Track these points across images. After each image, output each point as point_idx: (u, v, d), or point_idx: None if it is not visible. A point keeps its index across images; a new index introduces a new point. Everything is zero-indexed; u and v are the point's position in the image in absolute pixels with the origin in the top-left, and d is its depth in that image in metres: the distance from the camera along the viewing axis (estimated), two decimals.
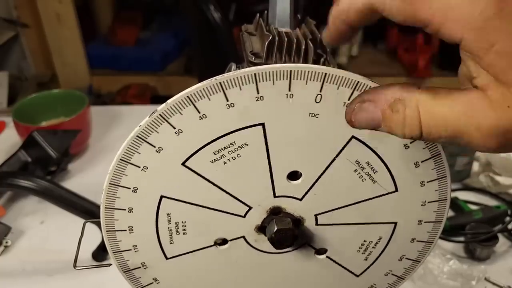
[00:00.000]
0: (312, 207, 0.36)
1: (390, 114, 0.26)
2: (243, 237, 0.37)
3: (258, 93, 0.30)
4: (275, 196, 0.35)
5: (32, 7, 1.82)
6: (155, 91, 1.98)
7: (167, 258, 0.37)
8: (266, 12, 0.39)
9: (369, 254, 0.39)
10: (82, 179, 0.88)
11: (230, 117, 0.31)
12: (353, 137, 0.32)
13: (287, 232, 0.34)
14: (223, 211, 0.35)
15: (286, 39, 0.34)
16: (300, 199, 0.35)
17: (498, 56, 0.22)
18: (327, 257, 0.39)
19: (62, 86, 1.88)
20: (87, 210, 0.64)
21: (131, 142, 0.31)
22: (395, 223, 0.37)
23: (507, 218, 0.72)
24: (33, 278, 0.68)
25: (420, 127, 0.25)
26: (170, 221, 0.35)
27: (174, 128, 0.31)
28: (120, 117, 1.08)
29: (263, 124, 0.31)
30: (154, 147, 0.31)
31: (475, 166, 0.83)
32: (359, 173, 0.34)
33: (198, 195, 0.34)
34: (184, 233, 0.36)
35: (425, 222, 0.37)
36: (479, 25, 0.22)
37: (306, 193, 0.35)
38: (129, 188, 0.33)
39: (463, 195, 0.79)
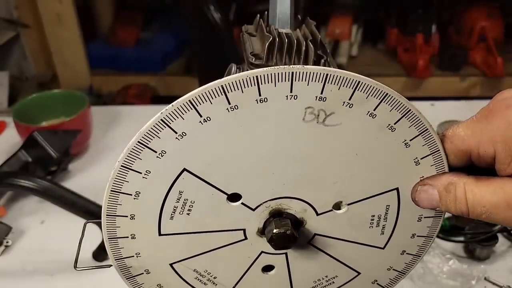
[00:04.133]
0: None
1: (445, 194, 0.33)
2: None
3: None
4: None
5: (32, 7, 1.82)
6: (156, 91, 1.97)
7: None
8: (266, 12, 0.39)
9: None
10: (83, 179, 0.89)
11: None
12: None
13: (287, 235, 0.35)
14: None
15: (286, 40, 0.34)
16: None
17: None
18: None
19: (62, 86, 1.88)
20: (88, 210, 0.64)
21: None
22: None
23: None
24: (33, 278, 0.68)
25: (467, 204, 0.32)
26: None
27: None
28: (120, 117, 1.08)
29: None
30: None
31: None
32: None
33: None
34: None
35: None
36: (501, 139, 0.30)
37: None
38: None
39: None
